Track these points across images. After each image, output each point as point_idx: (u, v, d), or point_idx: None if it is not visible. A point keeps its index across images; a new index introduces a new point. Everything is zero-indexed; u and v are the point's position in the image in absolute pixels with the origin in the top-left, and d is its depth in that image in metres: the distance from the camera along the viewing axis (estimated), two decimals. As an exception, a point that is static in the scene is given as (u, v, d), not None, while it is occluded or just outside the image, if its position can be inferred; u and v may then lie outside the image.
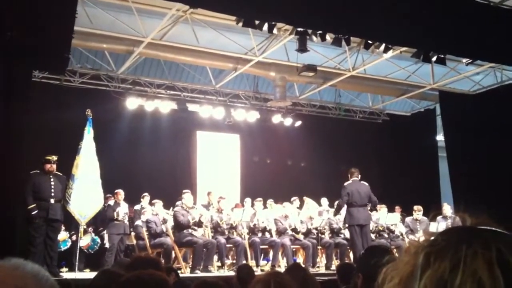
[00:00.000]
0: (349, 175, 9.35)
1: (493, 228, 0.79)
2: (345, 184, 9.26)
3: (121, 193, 9.55)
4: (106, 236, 9.58)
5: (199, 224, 9.02)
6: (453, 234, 0.78)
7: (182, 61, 11.33)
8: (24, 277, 0.88)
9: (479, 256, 0.72)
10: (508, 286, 0.70)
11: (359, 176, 9.37)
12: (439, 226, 10.72)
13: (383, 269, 0.82)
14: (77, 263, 8.20)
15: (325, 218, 10.54)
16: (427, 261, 0.75)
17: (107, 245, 9.45)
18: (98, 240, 9.74)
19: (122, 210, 9.39)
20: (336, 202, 9.81)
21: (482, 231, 0.78)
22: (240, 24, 8.70)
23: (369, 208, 9.67)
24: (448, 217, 10.90)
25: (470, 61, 10.82)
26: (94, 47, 10.50)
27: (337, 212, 9.98)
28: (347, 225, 9.63)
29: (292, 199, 11.03)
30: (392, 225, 10.72)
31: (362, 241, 8.99)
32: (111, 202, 9.58)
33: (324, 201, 11.26)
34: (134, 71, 11.98)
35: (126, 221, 9.45)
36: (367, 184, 9.38)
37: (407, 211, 11.42)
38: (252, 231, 9.75)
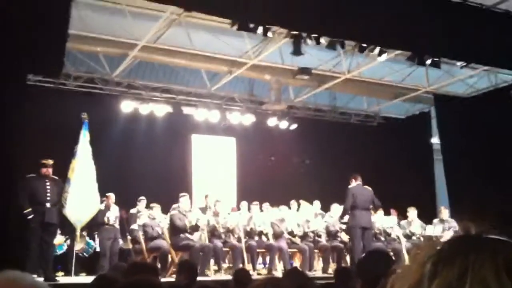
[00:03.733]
0: (353, 180, 9.38)
1: (499, 237, 0.80)
2: (349, 186, 9.30)
3: (111, 197, 9.42)
4: (97, 241, 9.51)
5: (195, 228, 9.00)
6: (460, 243, 0.79)
7: (177, 64, 11.31)
8: None
9: (487, 264, 0.73)
10: None
11: (361, 181, 9.42)
12: (435, 229, 10.75)
13: (389, 278, 0.82)
14: (73, 267, 8.15)
15: (321, 221, 10.52)
16: (434, 270, 0.76)
17: (98, 250, 9.39)
18: (93, 243, 9.70)
19: (113, 214, 9.31)
20: (342, 206, 9.80)
21: (489, 239, 0.79)
22: (235, 27, 8.69)
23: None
24: (444, 220, 10.91)
25: (465, 64, 10.85)
26: (88, 50, 10.47)
27: (343, 216, 9.90)
28: (349, 227, 9.54)
29: (291, 202, 11.00)
30: (388, 228, 10.72)
31: (364, 245, 8.99)
32: (102, 206, 9.46)
33: (317, 203, 11.18)
34: (128, 74, 11.93)
35: (117, 225, 9.38)
36: (370, 188, 9.42)
37: (403, 214, 11.42)
38: (249, 234, 9.73)
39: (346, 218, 9.73)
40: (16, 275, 0.87)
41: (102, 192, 8.85)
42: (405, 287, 0.78)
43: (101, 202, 8.99)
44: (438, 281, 0.75)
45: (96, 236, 9.68)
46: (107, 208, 9.36)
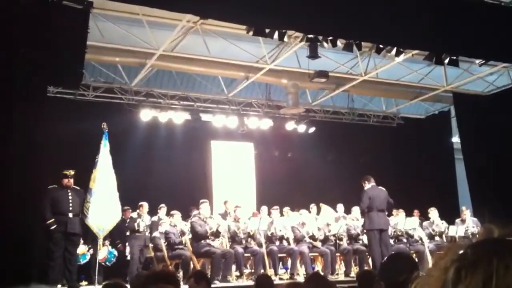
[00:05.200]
0: (366, 181, 9.27)
1: None
2: (366, 188, 9.20)
3: (145, 205, 9.75)
4: (128, 248, 9.71)
5: (216, 234, 9.01)
6: (483, 247, 0.77)
7: (194, 71, 11.38)
8: None
9: None
10: None
11: (375, 182, 9.33)
12: (458, 229, 10.62)
13: (411, 284, 0.81)
14: (96, 276, 8.23)
15: (342, 224, 10.46)
16: (458, 276, 0.74)
17: (129, 257, 9.59)
18: (115, 252, 9.83)
19: (144, 223, 9.57)
20: (359, 208, 9.76)
21: None
22: (251, 33, 8.71)
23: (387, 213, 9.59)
24: (466, 220, 10.80)
25: (483, 62, 10.73)
26: (107, 61, 10.59)
27: (363, 216, 9.87)
28: (366, 230, 9.52)
29: (310, 206, 10.99)
30: (410, 229, 10.62)
31: (381, 247, 8.91)
32: (134, 214, 9.77)
33: (340, 207, 11.17)
34: (147, 83, 12.05)
35: (147, 233, 9.61)
36: (384, 189, 9.32)
37: (425, 215, 11.32)
38: (270, 239, 9.72)
39: (362, 221, 9.68)
40: None
41: (123, 201, 8.94)
42: None
43: (123, 211, 9.13)
44: None
45: (124, 243, 9.91)
46: (139, 216, 9.61)
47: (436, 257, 0.82)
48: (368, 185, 9.23)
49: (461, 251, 0.78)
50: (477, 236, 0.87)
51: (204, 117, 12.63)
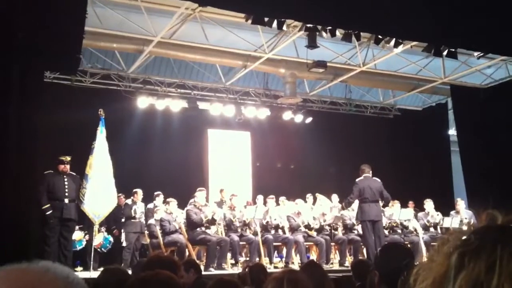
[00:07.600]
0: (360, 172, 9.31)
1: None
2: (357, 180, 9.23)
3: (139, 192, 9.77)
4: (123, 235, 9.74)
5: (212, 222, 9.04)
6: (487, 234, 0.77)
7: (192, 59, 11.34)
8: (54, 280, 0.84)
9: None
10: None
11: (370, 172, 9.34)
12: (452, 221, 10.68)
13: (413, 270, 0.80)
14: (92, 262, 8.26)
15: (337, 214, 10.51)
16: (461, 262, 0.74)
17: (124, 244, 9.61)
18: (111, 238, 9.87)
19: (139, 209, 9.58)
20: (347, 199, 9.81)
21: None
22: (249, 21, 8.67)
23: (381, 204, 9.62)
24: (461, 212, 10.84)
25: (482, 54, 10.72)
26: (104, 47, 10.53)
27: (345, 208, 10.03)
28: (359, 221, 9.60)
29: (306, 196, 11.02)
30: (405, 220, 10.67)
31: (374, 237, 8.95)
32: (129, 201, 9.79)
33: (335, 197, 11.20)
34: (144, 70, 12.00)
35: (142, 220, 9.63)
36: (379, 180, 9.34)
37: (420, 207, 11.37)
38: (265, 228, 9.76)
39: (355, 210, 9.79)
40: (48, 266, 0.86)
41: (119, 187, 8.95)
42: (430, 279, 0.77)
43: (117, 198, 9.15)
44: (464, 274, 0.73)
45: (117, 230, 9.94)
46: (134, 203, 9.63)
47: (439, 242, 0.81)
48: (361, 176, 9.25)
49: (465, 237, 0.77)
50: (472, 223, 0.86)
51: (201, 105, 12.60)
